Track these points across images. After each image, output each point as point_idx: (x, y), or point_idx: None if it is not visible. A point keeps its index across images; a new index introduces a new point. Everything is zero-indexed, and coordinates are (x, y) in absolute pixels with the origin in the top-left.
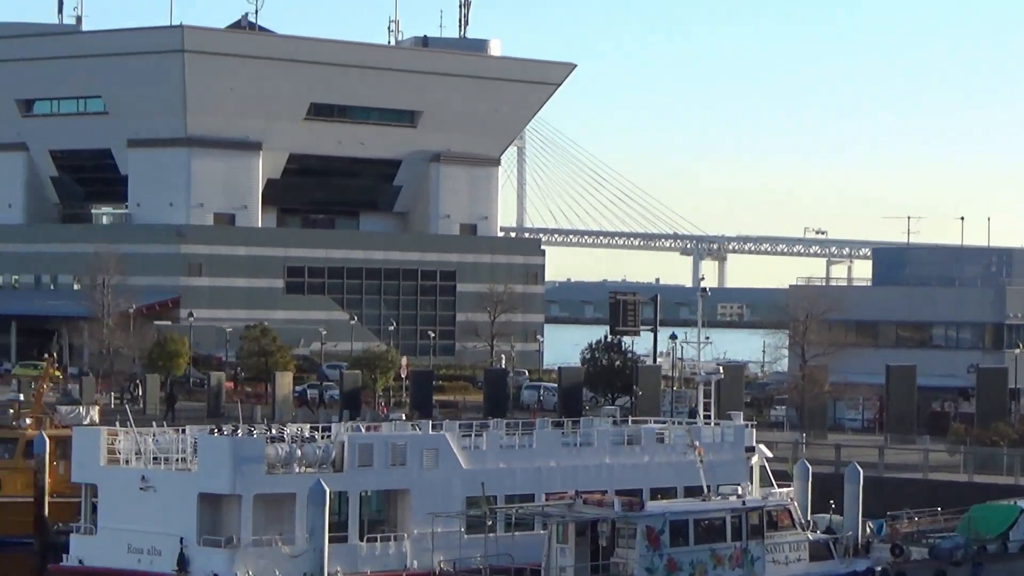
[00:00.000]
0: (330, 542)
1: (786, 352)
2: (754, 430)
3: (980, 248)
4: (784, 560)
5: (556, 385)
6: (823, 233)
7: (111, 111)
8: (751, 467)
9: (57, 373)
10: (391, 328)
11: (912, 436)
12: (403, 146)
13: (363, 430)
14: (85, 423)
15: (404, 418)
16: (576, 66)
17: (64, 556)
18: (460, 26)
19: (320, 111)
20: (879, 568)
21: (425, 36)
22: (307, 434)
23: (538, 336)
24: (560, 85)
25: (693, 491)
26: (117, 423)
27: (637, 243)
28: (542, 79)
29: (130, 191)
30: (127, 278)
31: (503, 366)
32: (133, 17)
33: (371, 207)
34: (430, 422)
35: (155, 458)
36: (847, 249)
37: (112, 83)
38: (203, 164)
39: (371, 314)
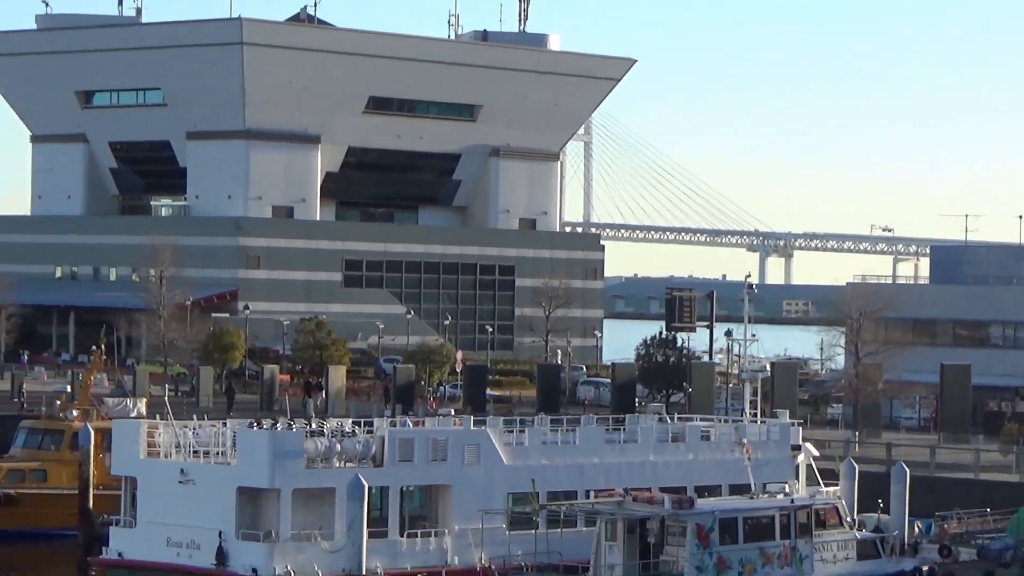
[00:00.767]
0: (370, 537)
1: (839, 349)
2: (800, 428)
3: None
4: (832, 559)
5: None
6: (890, 230)
7: (170, 103)
8: (797, 465)
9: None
10: (447, 322)
11: (966, 435)
12: (462, 140)
13: (410, 425)
14: (132, 416)
15: (453, 413)
16: (636, 61)
17: (104, 549)
18: (520, 20)
19: (379, 104)
20: (926, 568)
21: (485, 30)
22: (348, 429)
23: (596, 331)
24: (620, 80)
25: (738, 489)
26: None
27: (703, 239)
28: (602, 74)
29: (189, 183)
30: (183, 270)
31: (559, 361)
32: (192, 9)
33: (430, 201)
34: (471, 417)
35: (195, 451)
36: (914, 247)
37: (172, 75)
38: (262, 157)
39: (429, 308)
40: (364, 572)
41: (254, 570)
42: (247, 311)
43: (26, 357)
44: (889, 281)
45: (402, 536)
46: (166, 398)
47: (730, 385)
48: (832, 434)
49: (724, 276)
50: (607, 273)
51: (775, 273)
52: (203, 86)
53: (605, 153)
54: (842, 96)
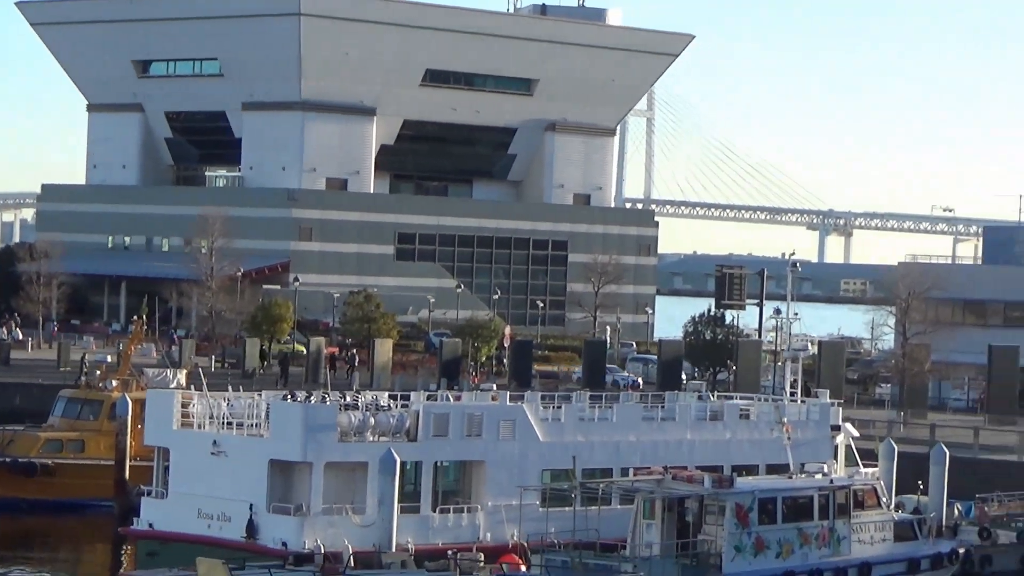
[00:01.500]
0: (402, 512)
1: (887, 329)
2: (840, 408)
3: None
4: (869, 540)
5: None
6: (950, 211)
7: (226, 73)
8: (836, 446)
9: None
10: (496, 297)
11: (1013, 417)
12: (518, 114)
13: (450, 399)
14: (172, 386)
15: (495, 388)
16: (695, 37)
17: (135, 520)
18: None
19: (436, 77)
20: (962, 550)
21: (543, 4)
22: (382, 402)
23: (648, 308)
24: (678, 56)
25: (775, 469)
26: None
27: (763, 217)
28: (660, 49)
29: (243, 154)
30: (232, 241)
31: (607, 338)
32: None
33: (485, 175)
34: (507, 393)
35: (228, 423)
36: (974, 228)
37: (228, 45)
38: (317, 128)
39: (481, 283)
40: (395, 547)
41: (284, 543)
42: (297, 283)
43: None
44: (947, 261)
45: (434, 511)
46: (199, 369)
47: (778, 364)
48: (877, 414)
49: (783, 255)
50: (666, 250)
51: (834, 252)
52: (259, 57)
53: (667, 129)
54: (905, 73)
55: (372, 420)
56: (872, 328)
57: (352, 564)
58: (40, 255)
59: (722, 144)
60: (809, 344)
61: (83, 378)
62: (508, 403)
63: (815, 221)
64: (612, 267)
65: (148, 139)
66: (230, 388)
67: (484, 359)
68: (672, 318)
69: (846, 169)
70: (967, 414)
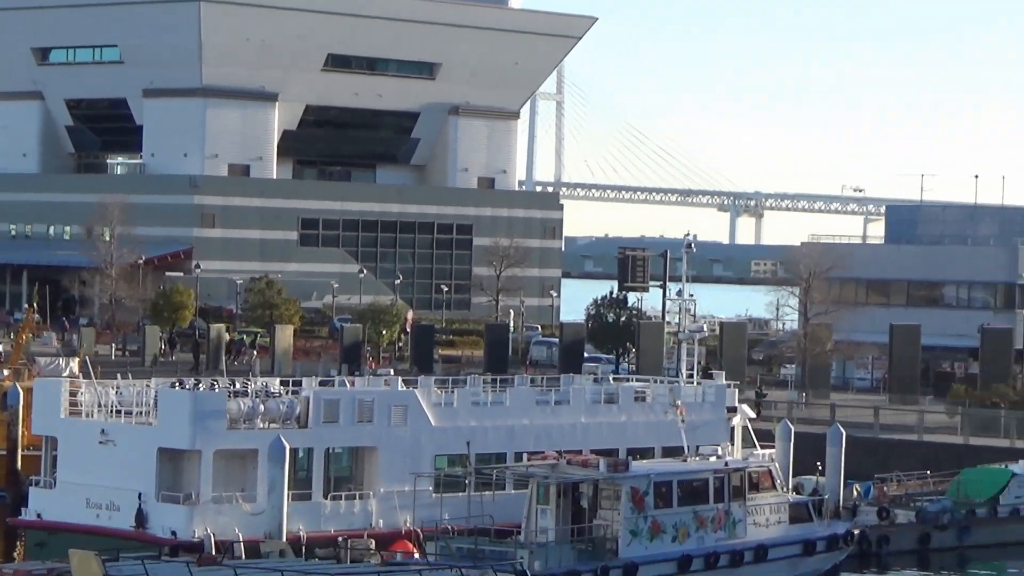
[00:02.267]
0: (294, 499)
1: (790, 310)
2: (736, 390)
3: (994, 207)
4: (765, 522)
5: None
6: (860, 191)
7: (127, 60)
8: (733, 428)
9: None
10: (399, 281)
11: (915, 397)
12: (421, 98)
13: (348, 385)
14: (64, 375)
15: (392, 373)
16: (597, 19)
17: (23, 509)
18: None
19: (338, 62)
20: (857, 531)
21: None
22: (273, 389)
23: (552, 291)
24: (581, 38)
25: (671, 451)
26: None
27: (674, 199)
28: (563, 32)
29: (145, 141)
30: (134, 228)
31: (510, 321)
32: None
33: (388, 160)
34: (399, 378)
35: (117, 411)
36: (884, 208)
37: (128, 32)
38: (218, 115)
39: (386, 268)
40: (285, 535)
41: (173, 532)
42: (199, 270)
43: None
44: (856, 241)
45: (326, 498)
46: (87, 358)
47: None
48: (779, 395)
49: (695, 236)
50: (578, 233)
51: (746, 234)
52: (160, 43)
53: (577, 113)
54: (814, 54)
55: (262, 407)
56: (777, 309)
57: (230, 554)
58: None
59: (632, 127)
60: (705, 326)
61: None
62: (400, 388)
63: (726, 202)
64: (514, 250)
65: (48, 127)
66: (119, 376)
67: (386, 344)
68: (580, 301)
69: (757, 151)
70: (871, 394)
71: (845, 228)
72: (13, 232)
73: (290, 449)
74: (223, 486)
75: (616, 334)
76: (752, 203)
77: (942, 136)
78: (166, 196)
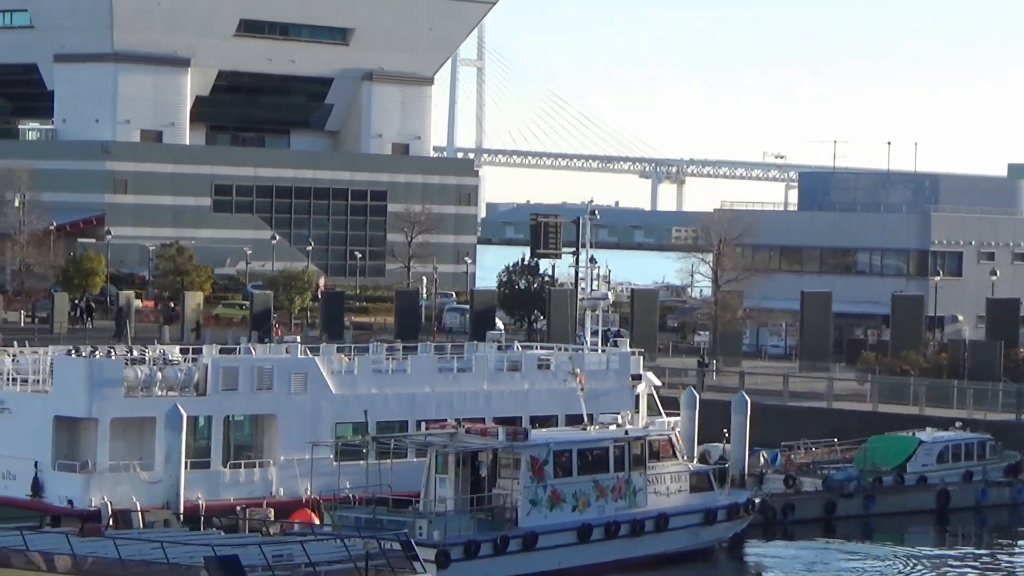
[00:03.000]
0: (192, 468)
1: (700, 276)
2: (641, 358)
3: (907, 173)
4: (666, 491)
5: None
6: (782, 157)
7: (37, 25)
8: (637, 395)
9: None
10: (311, 248)
11: (826, 364)
12: (335, 64)
13: (254, 352)
14: None
15: (298, 341)
16: None
17: None
18: None
19: (250, 27)
20: (758, 499)
21: None
22: (171, 357)
23: (467, 258)
24: (496, 3)
25: (575, 419)
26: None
27: (596, 166)
28: None
29: (56, 107)
30: (44, 194)
31: (422, 288)
32: None
33: (302, 125)
34: (299, 345)
35: (13, 379)
36: None
37: None
38: (130, 80)
39: (301, 234)
40: (183, 503)
41: (70, 501)
42: (110, 236)
43: None
44: (777, 208)
45: (225, 467)
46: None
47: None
48: (689, 362)
49: (617, 203)
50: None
51: (667, 200)
52: (70, 8)
53: (497, 79)
54: (735, 21)
55: (159, 375)
56: (691, 276)
57: (112, 524)
58: None
59: (554, 93)
60: (610, 293)
61: None
62: (300, 356)
63: (647, 169)
64: (425, 216)
65: None
66: (27, 343)
67: (298, 311)
68: (496, 268)
69: (680, 117)
70: (784, 361)
71: (768, 195)
72: None
73: (188, 417)
74: (120, 455)
75: (527, 301)
76: (674, 170)
77: (857, 102)
78: (78, 162)
